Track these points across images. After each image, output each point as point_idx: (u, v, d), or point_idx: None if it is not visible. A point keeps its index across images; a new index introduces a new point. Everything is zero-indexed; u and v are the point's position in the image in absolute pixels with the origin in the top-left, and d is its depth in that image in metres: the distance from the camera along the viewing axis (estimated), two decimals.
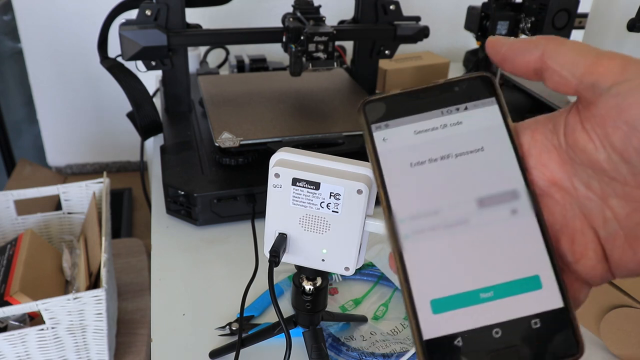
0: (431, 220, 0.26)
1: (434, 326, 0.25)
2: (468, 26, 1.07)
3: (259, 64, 1.09)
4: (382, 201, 0.27)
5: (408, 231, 0.26)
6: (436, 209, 0.26)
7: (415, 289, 0.25)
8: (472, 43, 1.17)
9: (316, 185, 0.39)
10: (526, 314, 0.24)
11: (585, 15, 0.93)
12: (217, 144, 0.72)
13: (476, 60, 1.09)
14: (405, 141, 0.27)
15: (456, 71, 1.35)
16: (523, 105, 1.02)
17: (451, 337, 0.24)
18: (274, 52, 1.13)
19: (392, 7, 0.90)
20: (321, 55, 0.78)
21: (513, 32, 1.00)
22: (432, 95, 0.28)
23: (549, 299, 0.25)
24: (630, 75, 0.23)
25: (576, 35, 0.94)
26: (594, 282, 0.26)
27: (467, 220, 0.26)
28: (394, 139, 0.27)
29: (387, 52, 0.94)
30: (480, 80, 0.28)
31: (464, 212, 0.26)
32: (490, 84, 0.27)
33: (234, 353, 0.50)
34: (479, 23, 1.02)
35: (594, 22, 0.88)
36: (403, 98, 0.28)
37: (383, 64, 1.19)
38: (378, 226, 0.40)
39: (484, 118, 0.27)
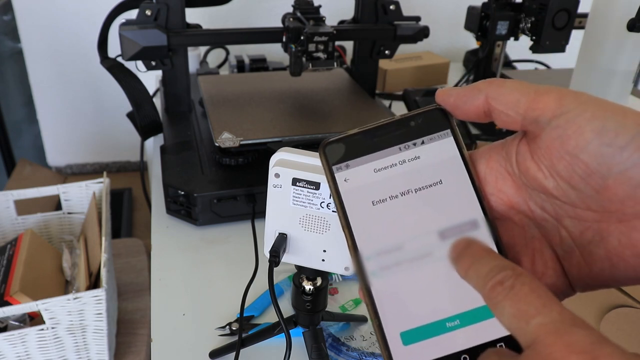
0: (396, 256, 0.27)
1: (405, 357, 0.26)
2: (468, 26, 1.07)
3: (259, 64, 1.09)
4: (347, 240, 0.27)
5: (374, 268, 0.27)
6: (400, 244, 0.27)
7: (385, 323, 0.26)
8: (472, 43, 1.17)
9: (316, 185, 0.39)
10: (491, 339, 0.25)
11: (585, 15, 0.93)
12: (217, 144, 0.72)
13: (476, 60, 1.09)
14: (366, 180, 0.28)
15: (456, 71, 1.35)
16: None
17: None
18: (274, 52, 1.13)
19: (392, 7, 0.90)
20: (321, 55, 0.78)
21: (513, 32, 1.00)
22: (390, 132, 0.29)
23: None
24: (566, 107, 0.24)
25: (576, 35, 0.94)
26: None
27: (430, 253, 0.27)
28: (355, 179, 0.28)
29: (387, 52, 0.94)
30: (435, 112, 0.29)
31: (427, 246, 0.27)
32: (444, 115, 0.29)
33: (234, 353, 0.50)
34: (479, 23, 1.02)
35: (594, 22, 0.88)
36: (361, 137, 0.29)
37: (383, 64, 1.19)
38: None
39: (440, 151, 0.28)
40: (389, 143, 0.28)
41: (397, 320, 0.26)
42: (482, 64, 1.09)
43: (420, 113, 0.29)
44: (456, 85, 1.16)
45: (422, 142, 0.28)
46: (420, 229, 0.27)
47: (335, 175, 0.28)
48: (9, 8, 1.60)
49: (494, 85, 0.26)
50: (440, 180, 0.28)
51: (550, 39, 0.93)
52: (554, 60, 1.26)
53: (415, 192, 0.28)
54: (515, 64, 1.32)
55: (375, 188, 0.28)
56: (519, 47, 1.21)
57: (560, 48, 0.95)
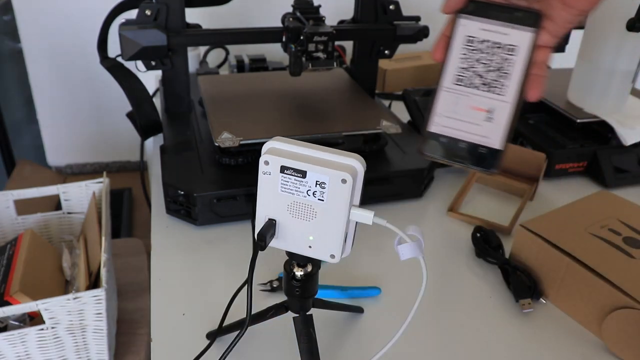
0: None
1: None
2: None
3: (259, 64, 1.09)
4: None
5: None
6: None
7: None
8: None
9: (303, 174, 0.40)
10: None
11: None
12: (217, 144, 0.72)
13: None
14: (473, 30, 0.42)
15: None
16: (523, 105, 1.02)
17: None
18: (274, 52, 1.13)
19: (391, 7, 0.90)
20: (321, 55, 0.78)
21: None
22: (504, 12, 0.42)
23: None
24: None
25: (576, 35, 0.94)
26: None
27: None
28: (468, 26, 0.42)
29: (386, 52, 0.94)
30: (534, 13, 0.41)
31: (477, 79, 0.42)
32: (539, 17, 0.41)
33: (230, 334, 0.50)
34: None
35: (594, 22, 0.88)
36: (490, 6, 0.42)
37: (383, 63, 1.19)
38: (363, 216, 0.41)
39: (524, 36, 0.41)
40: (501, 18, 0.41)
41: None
42: None
43: (526, 9, 0.41)
44: None
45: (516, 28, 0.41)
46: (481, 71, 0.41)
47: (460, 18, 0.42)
48: (9, 8, 1.60)
49: None
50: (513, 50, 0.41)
51: None
52: (554, 60, 1.26)
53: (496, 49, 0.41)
54: None
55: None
56: None
57: (560, 48, 0.95)
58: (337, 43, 0.80)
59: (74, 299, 0.68)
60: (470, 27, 0.42)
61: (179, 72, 0.86)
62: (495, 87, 0.41)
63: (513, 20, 0.41)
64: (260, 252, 0.42)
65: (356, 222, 0.43)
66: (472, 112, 0.40)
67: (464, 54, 0.42)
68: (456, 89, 0.41)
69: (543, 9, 0.41)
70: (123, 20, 0.79)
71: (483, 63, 0.41)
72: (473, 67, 0.41)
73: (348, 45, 0.97)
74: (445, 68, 0.42)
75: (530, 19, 0.41)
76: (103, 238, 0.75)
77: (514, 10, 0.41)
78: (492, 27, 0.41)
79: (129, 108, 0.83)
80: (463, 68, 0.41)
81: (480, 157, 0.40)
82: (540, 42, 0.42)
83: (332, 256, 0.43)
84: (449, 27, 0.43)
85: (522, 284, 0.63)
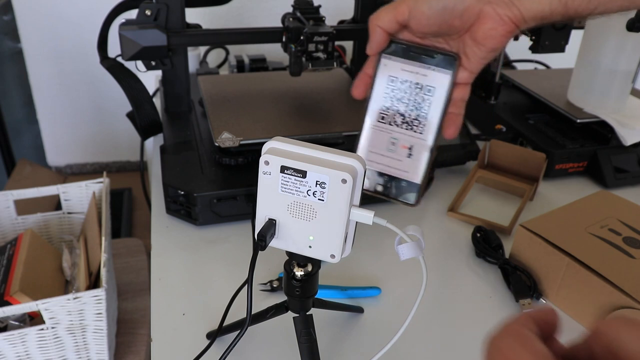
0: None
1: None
2: None
3: (259, 64, 1.09)
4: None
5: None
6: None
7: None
8: None
9: (303, 174, 0.40)
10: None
11: None
12: (217, 144, 0.72)
13: None
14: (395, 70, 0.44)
15: None
16: (523, 105, 1.02)
17: None
18: (274, 52, 1.13)
19: None
20: (321, 55, 0.78)
21: None
22: (424, 54, 0.44)
23: None
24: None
25: (576, 35, 0.94)
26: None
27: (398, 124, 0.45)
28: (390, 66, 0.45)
29: None
30: (451, 56, 0.44)
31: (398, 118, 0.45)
32: (455, 59, 0.43)
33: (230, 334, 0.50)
34: None
35: (593, 22, 0.88)
36: (409, 48, 0.45)
37: None
38: (363, 216, 0.41)
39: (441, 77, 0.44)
40: (419, 59, 0.44)
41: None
42: None
43: (444, 52, 0.43)
44: None
45: (433, 69, 0.44)
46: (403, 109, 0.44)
47: (382, 57, 0.45)
48: (9, 8, 1.60)
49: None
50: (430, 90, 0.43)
51: (550, 39, 0.93)
52: (554, 60, 1.26)
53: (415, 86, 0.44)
54: (514, 63, 1.32)
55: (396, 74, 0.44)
56: (518, 47, 1.21)
57: (560, 48, 0.95)
58: (337, 43, 0.80)
59: (74, 299, 0.68)
60: (392, 67, 0.43)
61: (179, 72, 0.86)
62: (416, 125, 0.42)
63: (431, 62, 0.43)
64: (260, 252, 0.42)
65: (356, 222, 0.43)
66: (394, 148, 0.43)
67: (387, 93, 0.43)
68: (380, 126, 0.43)
69: (459, 47, 0.43)
70: (123, 20, 0.79)
71: (404, 102, 0.43)
72: (395, 106, 0.43)
73: (348, 45, 0.97)
74: (369, 105, 0.43)
75: (448, 60, 0.43)
76: (103, 238, 0.75)
77: (432, 52, 0.43)
78: (413, 68, 0.43)
79: (129, 108, 0.83)
80: (386, 106, 0.43)
81: (401, 190, 0.42)
82: (459, 80, 0.44)
83: (332, 256, 0.43)
84: (370, 65, 0.44)
85: (522, 284, 0.63)
